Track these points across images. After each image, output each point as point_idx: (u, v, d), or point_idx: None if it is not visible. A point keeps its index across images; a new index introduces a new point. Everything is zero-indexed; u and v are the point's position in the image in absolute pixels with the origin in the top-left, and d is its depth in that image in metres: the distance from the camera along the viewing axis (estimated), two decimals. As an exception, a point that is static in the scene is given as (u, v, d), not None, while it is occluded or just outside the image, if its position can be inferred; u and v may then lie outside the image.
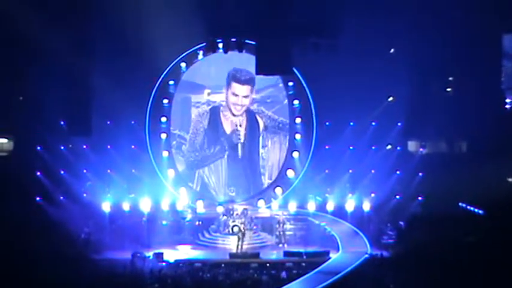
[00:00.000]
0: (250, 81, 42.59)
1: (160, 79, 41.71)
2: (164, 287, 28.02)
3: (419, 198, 40.40)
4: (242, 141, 43.06)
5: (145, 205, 38.11)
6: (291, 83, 42.41)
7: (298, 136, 42.77)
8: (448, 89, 44.17)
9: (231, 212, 38.80)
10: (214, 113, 43.22)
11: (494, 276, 26.29)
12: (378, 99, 42.30)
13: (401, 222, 37.86)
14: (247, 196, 42.88)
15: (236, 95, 42.90)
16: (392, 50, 42.16)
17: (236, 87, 42.79)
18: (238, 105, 42.91)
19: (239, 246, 35.65)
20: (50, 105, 39.45)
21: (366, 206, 38.75)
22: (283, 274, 30.52)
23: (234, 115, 43.10)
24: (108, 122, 41.91)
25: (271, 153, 43.75)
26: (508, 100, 42.05)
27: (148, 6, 37.42)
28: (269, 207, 41.51)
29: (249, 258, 33.98)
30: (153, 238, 36.89)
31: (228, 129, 43.26)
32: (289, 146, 43.06)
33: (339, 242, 35.65)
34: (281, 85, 43.18)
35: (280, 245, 37.37)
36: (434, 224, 35.20)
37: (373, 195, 40.11)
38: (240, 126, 43.01)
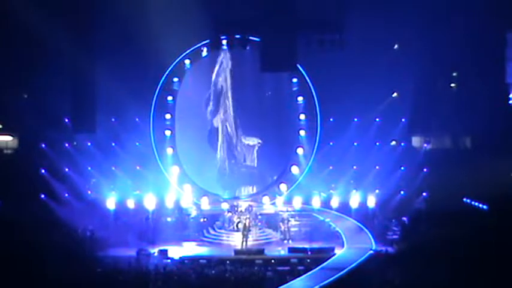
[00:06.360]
0: None
1: (164, 76, 41.66)
2: (169, 283, 28.05)
3: (424, 194, 40.38)
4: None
5: (150, 202, 38.19)
6: (295, 80, 42.30)
7: (302, 132, 42.66)
8: (452, 85, 44.19)
9: (236, 209, 38.89)
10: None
11: (499, 272, 26.32)
12: (382, 95, 42.31)
13: (404, 218, 37.85)
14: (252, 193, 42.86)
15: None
16: (396, 46, 42.18)
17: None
18: None
19: (244, 243, 35.68)
20: (54, 103, 39.58)
21: (371, 202, 38.81)
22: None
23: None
24: (113, 119, 42.07)
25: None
26: (512, 95, 42.06)
27: (152, 3, 37.47)
28: (274, 204, 41.46)
29: (254, 254, 34.02)
30: (157, 235, 36.95)
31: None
32: (293, 143, 42.94)
33: (343, 238, 35.78)
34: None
35: (285, 241, 37.40)
36: (438, 219, 35.23)
37: (377, 191, 40.13)
38: None
